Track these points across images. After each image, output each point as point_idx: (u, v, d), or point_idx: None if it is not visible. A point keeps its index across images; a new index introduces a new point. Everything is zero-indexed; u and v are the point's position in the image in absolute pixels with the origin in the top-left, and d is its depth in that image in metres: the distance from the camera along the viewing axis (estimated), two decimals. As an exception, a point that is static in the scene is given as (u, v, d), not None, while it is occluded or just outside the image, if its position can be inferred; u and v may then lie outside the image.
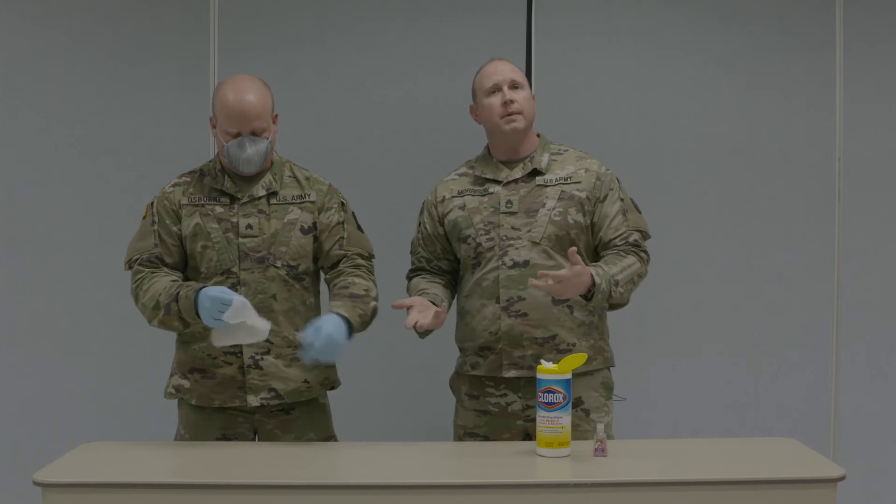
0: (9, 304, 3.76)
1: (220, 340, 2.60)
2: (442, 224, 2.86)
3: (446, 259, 2.89)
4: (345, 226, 2.80)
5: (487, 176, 2.82)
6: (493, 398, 2.78)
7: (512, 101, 2.76)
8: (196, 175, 2.81)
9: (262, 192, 2.74)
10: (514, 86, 2.79)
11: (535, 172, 2.79)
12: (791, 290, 3.82)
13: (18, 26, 3.75)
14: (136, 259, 2.72)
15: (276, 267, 2.72)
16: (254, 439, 2.77)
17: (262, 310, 2.69)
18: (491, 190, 2.80)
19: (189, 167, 3.63)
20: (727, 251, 3.80)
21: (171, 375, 2.80)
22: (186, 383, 2.74)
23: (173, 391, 2.78)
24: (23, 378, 3.75)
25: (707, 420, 3.80)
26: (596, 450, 2.43)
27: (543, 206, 2.75)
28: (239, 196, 2.73)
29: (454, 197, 2.85)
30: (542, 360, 2.47)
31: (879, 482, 3.82)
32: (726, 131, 3.82)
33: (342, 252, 2.78)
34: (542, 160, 2.80)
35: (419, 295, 2.77)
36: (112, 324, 3.72)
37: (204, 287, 2.59)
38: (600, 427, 2.44)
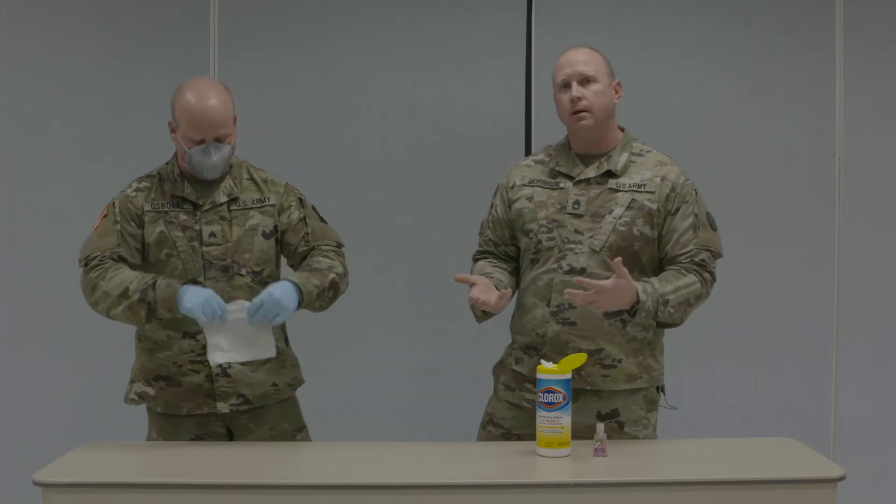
0: (9, 304, 3.76)
1: (220, 357, 2.57)
2: (510, 209, 2.77)
3: (514, 245, 2.79)
4: (307, 221, 2.77)
5: (561, 169, 2.71)
6: (529, 394, 2.69)
7: (579, 99, 2.64)
8: (155, 180, 2.74)
9: (224, 199, 2.69)
10: (584, 80, 2.65)
11: (609, 174, 2.66)
12: (791, 290, 3.82)
13: (18, 26, 3.75)
14: (97, 255, 2.63)
15: (241, 275, 2.68)
16: (227, 436, 2.77)
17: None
18: (562, 185, 2.69)
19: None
20: (727, 251, 3.75)
21: (133, 382, 2.77)
22: (151, 391, 2.72)
23: (136, 398, 2.75)
24: (23, 378, 3.76)
25: (707, 420, 3.80)
26: (596, 450, 2.42)
27: (611, 212, 2.62)
28: (200, 203, 2.68)
29: (524, 185, 2.74)
30: (543, 361, 2.46)
31: (879, 482, 3.82)
32: (726, 131, 3.82)
33: (309, 247, 2.75)
34: (620, 161, 2.67)
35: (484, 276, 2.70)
36: (112, 324, 3.70)
37: (191, 284, 2.58)
38: (600, 427, 2.44)
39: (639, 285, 2.52)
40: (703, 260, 2.64)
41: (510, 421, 2.74)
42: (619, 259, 2.47)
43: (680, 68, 3.82)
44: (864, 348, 3.84)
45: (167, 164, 2.77)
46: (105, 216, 2.70)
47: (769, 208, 3.82)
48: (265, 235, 2.72)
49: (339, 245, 2.80)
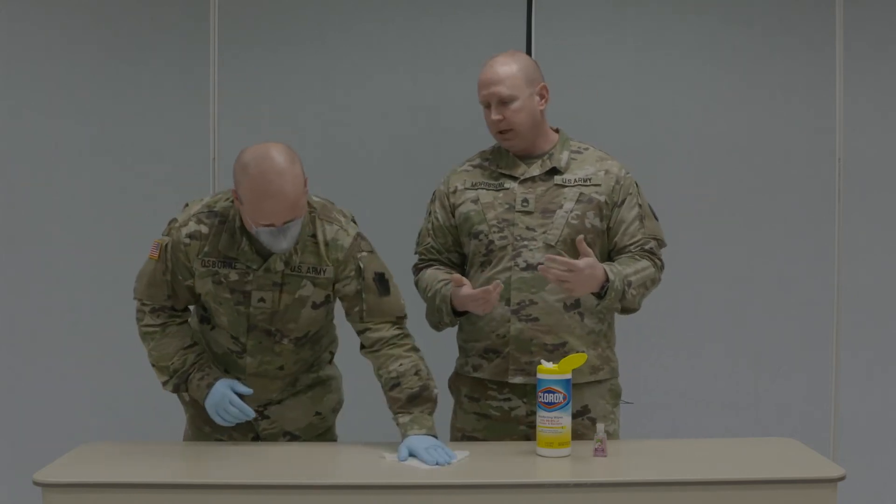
0: (9, 304, 3.76)
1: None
2: (453, 215, 2.77)
3: (457, 252, 2.79)
4: (363, 295, 2.57)
5: (503, 171, 2.72)
6: (495, 402, 2.71)
7: (499, 121, 2.66)
8: (215, 222, 2.54)
9: (280, 266, 2.52)
10: (500, 102, 2.65)
11: (554, 171, 2.70)
12: (791, 290, 3.82)
13: (18, 26, 3.75)
14: (149, 305, 2.61)
15: (283, 343, 2.61)
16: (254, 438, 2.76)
17: (265, 376, 2.64)
18: (506, 185, 2.70)
19: (189, 167, 3.66)
20: (727, 251, 3.80)
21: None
22: (186, 396, 2.70)
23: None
24: (23, 378, 3.75)
25: (707, 420, 3.80)
26: (596, 450, 2.42)
27: (561, 207, 2.66)
28: (254, 267, 2.53)
29: (467, 189, 2.75)
30: (542, 361, 2.46)
31: (879, 482, 3.82)
32: (726, 131, 3.82)
33: (365, 325, 2.59)
34: (562, 158, 2.70)
35: (440, 284, 2.70)
36: (112, 324, 3.71)
37: (221, 381, 2.57)
38: (600, 427, 2.44)
39: (606, 266, 2.57)
40: (651, 248, 2.70)
41: (483, 432, 2.73)
42: (581, 237, 2.52)
43: (680, 68, 3.82)
44: (864, 348, 3.84)
45: (232, 202, 2.54)
46: (157, 259, 2.56)
47: (769, 208, 3.82)
48: (314, 306, 2.59)
49: (401, 318, 2.62)
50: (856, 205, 3.83)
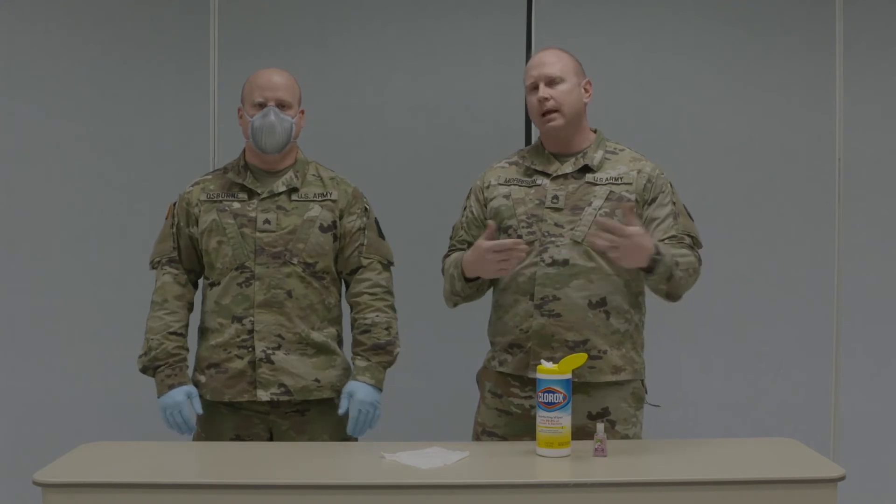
0: (9, 304, 3.76)
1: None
2: (486, 209, 2.78)
3: None
4: (366, 232, 2.83)
5: (537, 167, 2.73)
6: (516, 399, 2.71)
7: (546, 100, 2.66)
8: (220, 172, 2.85)
9: (283, 189, 2.76)
10: (551, 81, 2.67)
11: (586, 169, 2.70)
12: (791, 290, 3.82)
13: (18, 26, 3.75)
14: (158, 261, 2.82)
15: (293, 264, 2.73)
16: (268, 440, 2.77)
17: (274, 305, 2.72)
18: (538, 182, 2.71)
19: (189, 167, 3.66)
20: (727, 251, 3.80)
21: (193, 372, 2.81)
22: (203, 378, 2.77)
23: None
24: (23, 378, 3.76)
25: (707, 420, 3.80)
26: (596, 450, 2.42)
27: (590, 204, 2.65)
28: (259, 192, 2.75)
29: (500, 185, 2.76)
30: (542, 360, 2.46)
31: (879, 482, 3.82)
32: (726, 131, 3.82)
33: (360, 260, 2.81)
34: (595, 157, 2.71)
35: (459, 255, 2.71)
36: (112, 324, 3.72)
37: (183, 387, 2.72)
38: (600, 427, 2.44)
39: (652, 241, 2.53)
40: (688, 244, 2.68)
41: (503, 428, 2.74)
42: (630, 204, 2.52)
43: (680, 68, 3.82)
44: (865, 348, 3.85)
45: (235, 158, 2.85)
46: (167, 218, 2.84)
47: (769, 208, 3.82)
48: (322, 229, 2.77)
49: (390, 263, 2.87)
50: (856, 206, 3.83)
